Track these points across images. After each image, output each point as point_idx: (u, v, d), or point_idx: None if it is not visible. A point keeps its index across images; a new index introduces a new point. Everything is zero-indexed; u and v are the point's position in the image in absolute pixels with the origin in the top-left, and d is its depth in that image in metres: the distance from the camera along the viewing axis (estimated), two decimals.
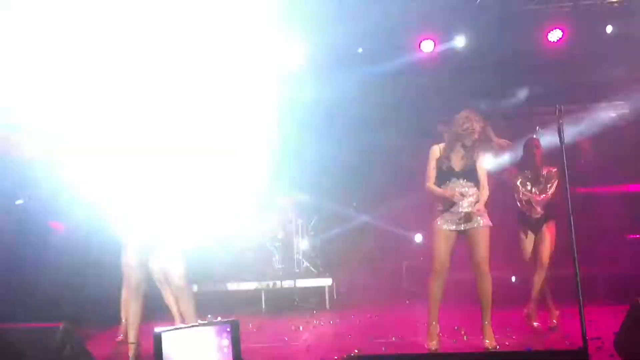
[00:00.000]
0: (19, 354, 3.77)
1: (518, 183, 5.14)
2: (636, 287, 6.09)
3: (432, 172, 4.51)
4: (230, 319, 3.20)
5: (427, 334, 4.52)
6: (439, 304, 4.50)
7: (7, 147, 4.61)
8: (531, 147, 5.15)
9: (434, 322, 4.50)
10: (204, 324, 3.22)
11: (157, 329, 3.12)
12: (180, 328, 3.33)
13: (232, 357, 3.17)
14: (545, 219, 5.10)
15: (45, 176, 7.82)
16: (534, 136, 5.60)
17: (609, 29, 7.83)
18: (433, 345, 4.44)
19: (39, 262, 6.55)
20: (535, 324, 5.11)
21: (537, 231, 5.13)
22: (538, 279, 5.10)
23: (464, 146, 4.42)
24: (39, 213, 6.78)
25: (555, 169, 5.07)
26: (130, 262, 4.23)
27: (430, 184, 4.51)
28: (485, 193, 4.45)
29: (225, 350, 3.20)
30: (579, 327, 3.85)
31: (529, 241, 5.16)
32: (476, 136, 4.38)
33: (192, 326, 3.26)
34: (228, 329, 3.22)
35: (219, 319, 3.20)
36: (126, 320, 5.47)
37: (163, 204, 4.25)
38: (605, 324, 4.82)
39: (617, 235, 7.18)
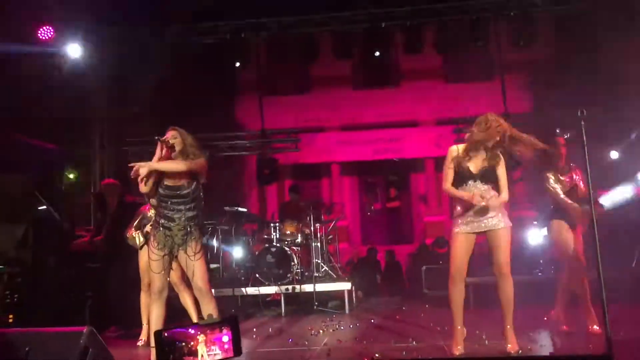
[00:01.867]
0: (44, 359, 3.82)
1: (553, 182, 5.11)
2: None
3: (449, 173, 4.44)
4: (228, 316, 3.24)
5: (453, 339, 4.44)
6: (462, 308, 4.43)
7: None
8: (558, 145, 5.12)
9: (459, 327, 4.41)
10: (204, 323, 3.25)
11: (157, 329, 3.15)
12: (184, 327, 3.35)
13: (233, 353, 3.19)
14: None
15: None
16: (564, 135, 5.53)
17: None
18: (459, 350, 4.36)
19: (63, 267, 6.66)
20: (563, 327, 5.04)
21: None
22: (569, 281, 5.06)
23: (486, 149, 4.37)
24: (62, 220, 6.90)
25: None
26: (153, 266, 4.25)
27: (448, 185, 4.44)
28: (504, 196, 4.37)
29: (226, 346, 3.23)
30: (604, 330, 3.82)
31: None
32: (499, 138, 4.34)
33: (195, 325, 3.28)
34: (227, 326, 3.26)
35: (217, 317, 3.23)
36: (148, 323, 5.53)
37: (183, 208, 4.27)
38: (630, 327, 4.76)
39: (633, 235, 7.08)
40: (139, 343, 5.52)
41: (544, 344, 4.61)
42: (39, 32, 7.71)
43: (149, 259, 4.29)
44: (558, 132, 6.73)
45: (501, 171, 4.39)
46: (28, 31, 7.60)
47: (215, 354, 3.19)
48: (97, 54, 8.55)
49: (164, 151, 4.23)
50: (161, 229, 4.25)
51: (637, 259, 6.90)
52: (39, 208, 6.65)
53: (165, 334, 3.12)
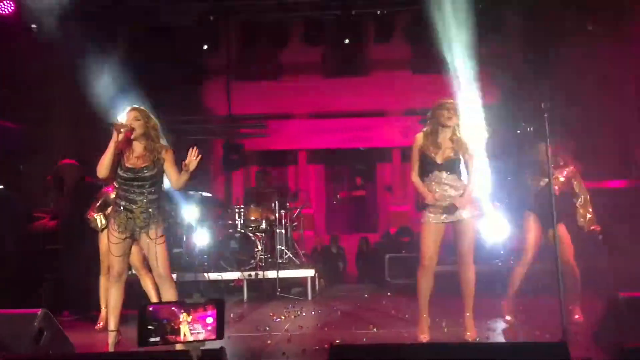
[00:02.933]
0: None
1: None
2: (614, 281, 6.21)
3: (414, 162, 4.46)
4: (216, 298, 3.20)
5: (419, 327, 4.48)
6: (429, 297, 4.45)
7: None
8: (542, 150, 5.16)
9: (424, 315, 4.46)
10: (190, 302, 3.20)
11: (142, 304, 3.09)
12: (168, 304, 3.30)
13: (216, 335, 3.16)
14: None
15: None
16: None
17: None
18: (424, 337, 4.41)
19: (19, 249, 6.50)
20: (508, 317, 5.11)
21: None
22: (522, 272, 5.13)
23: (451, 138, 4.38)
24: (18, 201, 6.72)
25: (573, 167, 5.15)
26: (113, 249, 4.17)
27: (414, 175, 4.47)
28: (470, 190, 4.36)
29: (209, 327, 3.19)
30: (559, 320, 3.92)
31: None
32: (451, 124, 4.35)
33: (180, 303, 3.24)
34: (213, 307, 3.22)
35: (204, 296, 3.19)
36: (106, 307, 5.45)
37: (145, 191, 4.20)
38: (585, 316, 4.89)
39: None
40: (97, 327, 5.44)
41: (502, 332, 4.69)
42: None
43: (109, 242, 4.21)
44: (523, 125, 6.85)
45: (469, 160, 4.39)
46: None
47: (198, 333, 3.15)
48: (60, 31, 8.30)
49: (121, 135, 4.12)
50: (122, 211, 4.17)
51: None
52: None
53: (150, 309, 3.06)
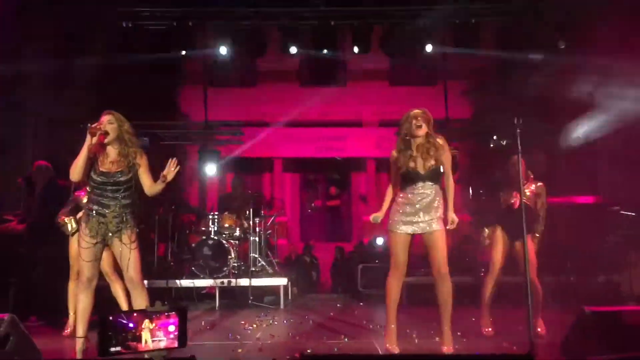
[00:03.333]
0: None
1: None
2: (580, 295, 6.35)
3: (393, 177, 4.55)
4: (178, 305, 3.18)
5: (386, 336, 4.50)
6: (397, 306, 4.48)
7: None
8: (514, 164, 5.24)
9: (392, 325, 4.47)
10: (152, 310, 3.17)
11: (102, 313, 3.05)
12: (129, 313, 3.27)
13: (177, 343, 3.15)
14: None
15: None
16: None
17: None
18: (393, 348, 4.42)
19: None
20: (488, 329, 5.19)
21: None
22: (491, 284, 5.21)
23: (413, 147, 4.40)
24: None
25: (542, 184, 5.26)
26: (83, 254, 4.12)
27: (389, 188, 4.60)
28: (450, 185, 4.45)
29: (172, 335, 3.18)
30: (527, 332, 3.99)
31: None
32: (421, 134, 4.37)
33: (141, 311, 3.21)
34: (175, 315, 3.21)
35: (166, 304, 3.16)
36: (75, 313, 5.36)
37: (119, 196, 4.17)
38: (552, 330, 4.97)
39: (565, 244, 7.39)
40: (65, 333, 5.35)
41: (469, 344, 4.74)
42: None
43: (79, 247, 4.16)
44: (495, 139, 6.95)
45: (446, 168, 4.42)
46: None
47: (160, 341, 3.12)
48: (36, 29, 8.19)
49: (94, 139, 4.08)
50: (94, 215, 4.13)
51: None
52: None
53: (110, 318, 3.03)
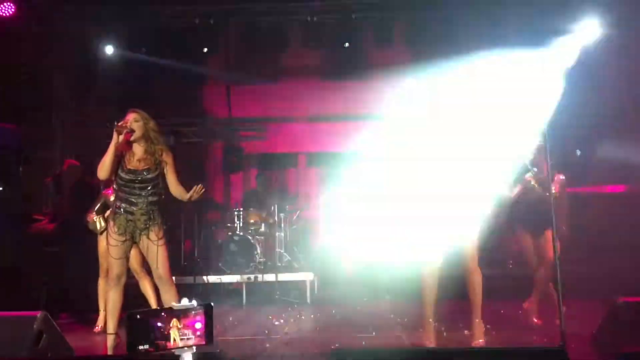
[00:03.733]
0: None
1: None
2: (614, 286, 6.21)
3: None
4: (204, 303, 3.19)
5: (424, 332, 4.47)
6: (434, 301, 4.43)
7: None
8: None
9: (430, 319, 4.44)
10: (179, 308, 3.20)
11: (130, 311, 3.09)
12: (157, 311, 3.30)
13: (205, 341, 3.16)
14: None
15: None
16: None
17: None
18: (430, 342, 4.39)
19: (18, 252, 6.49)
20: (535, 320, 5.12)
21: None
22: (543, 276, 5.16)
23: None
24: (17, 203, 6.71)
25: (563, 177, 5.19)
26: (112, 252, 4.17)
27: None
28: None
29: (199, 333, 3.20)
30: (558, 325, 3.92)
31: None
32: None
33: (168, 309, 3.24)
34: (202, 312, 3.23)
35: (194, 302, 3.18)
36: (105, 310, 5.44)
37: (146, 193, 4.21)
38: (584, 322, 4.88)
39: (596, 233, 7.26)
40: (96, 330, 5.43)
41: (500, 336, 4.69)
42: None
43: (108, 245, 4.21)
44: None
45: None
46: None
47: (188, 339, 3.15)
48: (60, 33, 8.32)
49: (121, 137, 4.13)
50: (122, 213, 4.17)
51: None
52: None
53: (138, 317, 3.06)
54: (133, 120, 4.22)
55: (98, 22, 8.73)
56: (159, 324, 3.11)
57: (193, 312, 3.18)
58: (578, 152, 6.70)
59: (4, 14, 7.50)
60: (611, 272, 6.68)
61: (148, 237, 4.16)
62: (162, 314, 3.16)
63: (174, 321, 3.14)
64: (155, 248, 4.15)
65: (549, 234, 5.11)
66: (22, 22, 7.73)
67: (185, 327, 3.17)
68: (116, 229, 4.17)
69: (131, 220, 4.17)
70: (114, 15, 8.92)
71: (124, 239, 4.18)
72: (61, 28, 8.32)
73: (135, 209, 4.17)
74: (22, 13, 7.62)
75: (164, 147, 4.29)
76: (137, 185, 4.17)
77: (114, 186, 4.55)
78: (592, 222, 7.21)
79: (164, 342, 3.09)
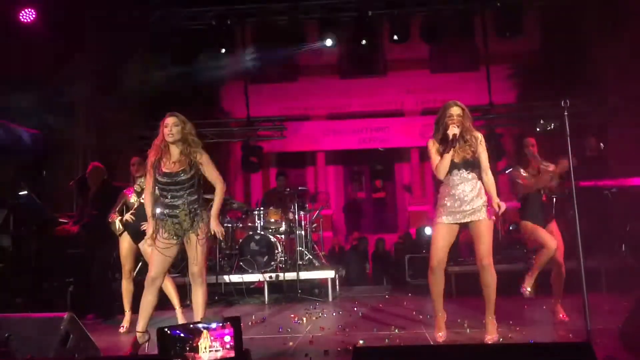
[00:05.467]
0: (24, 344, 3.79)
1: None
2: (633, 280, 6.12)
3: (435, 158, 4.43)
4: (231, 316, 3.24)
5: (436, 326, 4.51)
6: (442, 296, 4.45)
7: None
8: (527, 145, 5.17)
9: (440, 314, 4.48)
10: (206, 320, 3.25)
11: (160, 326, 3.14)
12: (186, 325, 3.35)
13: (235, 353, 3.20)
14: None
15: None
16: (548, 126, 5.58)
17: None
18: (441, 336, 4.42)
19: (44, 253, 6.60)
20: (561, 315, 5.06)
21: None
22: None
23: (462, 137, 4.32)
24: (42, 206, 6.82)
25: (554, 166, 5.11)
26: (153, 254, 4.22)
27: (434, 164, 4.42)
28: (488, 181, 4.34)
29: (228, 345, 3.24)
30: (583, 320, 3.88)
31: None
32: (451, 124, 4.27)
33: (197, 323, 3.29)
34: (230, 325, 3.27)
35: (222, 314, 3.23)
36: (130, 310, 5.51)
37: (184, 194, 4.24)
38: (609, 316, 4.83)
39: (618, 227, 7.16)
40: (121, 330, 5.50)
41: (525, 332, 4.66)
42: (20, 15, 7.59)
43: (155, 247, 4.23)
44: (542, 123, 6.78)
45: (481, 158, 4.35)
46: (7, 14, 7.47)
47: (216, 351, 3.20)
48: (81, 38, 8.43)
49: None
50: (167, 218, 4.21)
51: (624, 249, 6.94)
52: (20, 193, 6.55)
53: (167, 330, 3.12)
54: (173, 124, 4.25)
55: (117, 28, 8.83)
56: (188, 337, 3.17)
57: (222, 325, 3.22)
58: (602, 145, 6.62)
59: (25, 20, 7.61)
60: (635, 265, 6.58)
61: (196, 235, 4.21)
62: (191, 326, 3.22)
63: (203, 334, 3.20)
64: (197, 245, 4.20)
65: (552, 227, 5.10)
66: (42, 28, 7.84)
67: (214, 339, 3.22)
68: (166, 235, 4.21)
69: (177, 223, 4.21)
70: (133, 20, 9.03)
71: (172, 242, 4.22)
72: (81, 34, 8.44)
73: (177, 211, 4.20)
74: (42, 18, 7.73)
75: (199, 149, 4.33)
76: (172, 187, 4.21)
77: (135, 187, 4.60)
78: (613, 216, 7.11)
79: (192, 354, 3.14)
